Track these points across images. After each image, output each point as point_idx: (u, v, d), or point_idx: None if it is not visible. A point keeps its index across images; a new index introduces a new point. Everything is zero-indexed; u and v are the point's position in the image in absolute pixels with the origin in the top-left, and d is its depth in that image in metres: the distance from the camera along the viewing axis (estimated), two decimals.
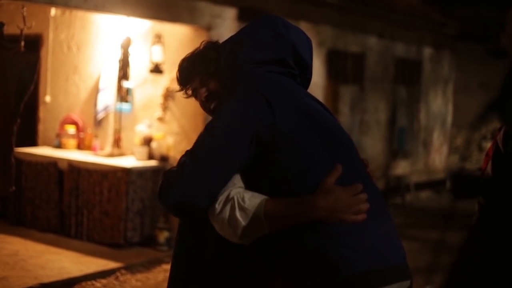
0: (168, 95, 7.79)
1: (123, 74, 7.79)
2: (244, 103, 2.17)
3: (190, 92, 2.49)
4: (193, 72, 2.43)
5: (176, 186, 2.11)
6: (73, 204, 7.60)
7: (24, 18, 5.96)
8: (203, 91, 2.42)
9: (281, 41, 2.34)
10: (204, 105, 2.45)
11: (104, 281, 6.47)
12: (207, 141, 2.17)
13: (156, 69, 7.67)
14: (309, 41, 2.43)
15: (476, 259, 1.30)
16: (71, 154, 7.91)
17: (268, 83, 2.24)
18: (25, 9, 6.02)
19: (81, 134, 8.33)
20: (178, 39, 7.72)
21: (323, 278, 2.08)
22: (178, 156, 8.22)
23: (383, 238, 2.18)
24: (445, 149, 13.89)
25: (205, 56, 2.43)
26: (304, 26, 8.56)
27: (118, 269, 6.71)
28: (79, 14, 8.32)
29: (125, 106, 8.08)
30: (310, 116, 2.22)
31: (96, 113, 8.25)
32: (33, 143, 8.60)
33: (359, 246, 2.10)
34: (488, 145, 13.20)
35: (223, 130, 2.15)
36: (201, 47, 2.50)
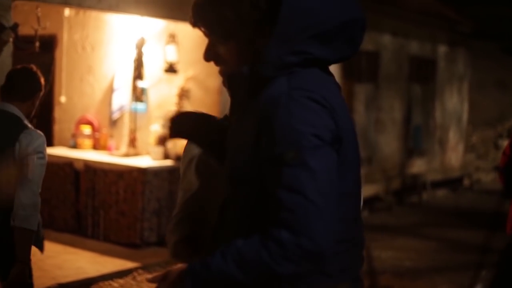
0: (183, 95, 7.78)
1: (138, 74, 7.79)
2: (315, 115, 1.82)
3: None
4: (204, 26, 2.00)
5: (319, 230, 1.74)
6: (89, 204, 7.61)
7: (38, 18, 5.97)
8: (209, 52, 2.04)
9: (347, 47, 1.98)
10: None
11: (121, 281, 6.46)
12: (317, 175, 1.77)
13: (171, 69, 7.67)
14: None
15: None
16: (87, 154, 7.92)
17: (321, 84, 1.92)
18: (39, 9, 6.04)
19: (97, 134, 8.33)
20: (192, 39, 7.71)
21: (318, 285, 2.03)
22: None
23: (363, 245, 2.11)
24: (461, 148, 13.81)
25: (221, 14, 1.93)
26: None
27: (135, 269, 6.70)
28: (93, 14, 8.33)
29: (140, 106, 8.08)
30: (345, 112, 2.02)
31: (111, 113, 8.26)
32: (49, 143, 8.57)
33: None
34: (504, 143, 13.13)
35: (316, 157, 1.78)
36: None
